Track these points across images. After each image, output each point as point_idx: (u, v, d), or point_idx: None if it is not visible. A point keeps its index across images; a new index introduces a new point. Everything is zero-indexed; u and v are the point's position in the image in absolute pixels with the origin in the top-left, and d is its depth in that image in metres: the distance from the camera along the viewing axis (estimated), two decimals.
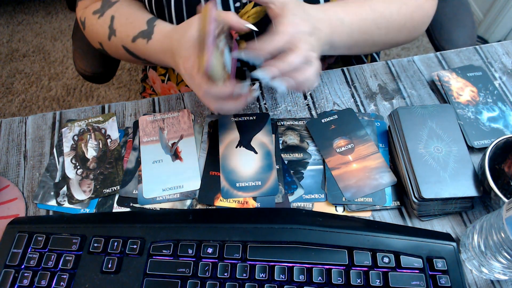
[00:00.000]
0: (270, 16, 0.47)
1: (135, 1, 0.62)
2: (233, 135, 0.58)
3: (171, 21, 0.59)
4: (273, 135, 0.58)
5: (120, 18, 0.57)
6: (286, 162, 0.56)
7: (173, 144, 0.58)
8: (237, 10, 0.57)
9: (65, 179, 0.56)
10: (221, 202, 0.53)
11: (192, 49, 0.45)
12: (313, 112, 0.62)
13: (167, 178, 0.55)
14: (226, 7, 0.57)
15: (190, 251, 0.46)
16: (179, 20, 0.58)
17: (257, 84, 0.46)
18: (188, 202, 0.54)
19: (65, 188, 0.55)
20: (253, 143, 0.57)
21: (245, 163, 0.56)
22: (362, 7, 0.54)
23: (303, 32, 0.45)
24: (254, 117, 0.60)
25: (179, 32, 0.47)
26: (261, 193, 0.53)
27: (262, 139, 0.58)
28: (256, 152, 0.57)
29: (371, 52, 0.62)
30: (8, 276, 0.46)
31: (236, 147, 0.57)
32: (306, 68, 0.45)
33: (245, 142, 0.58)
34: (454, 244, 0.47)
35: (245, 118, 0.60)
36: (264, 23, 0.58)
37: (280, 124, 0.60)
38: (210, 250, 0.46)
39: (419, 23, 0.60)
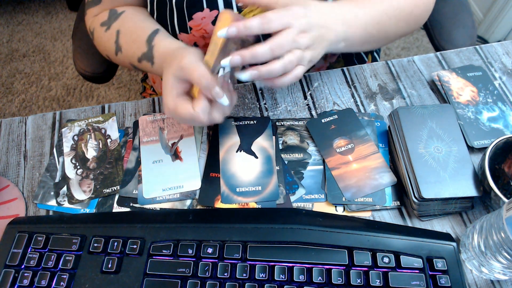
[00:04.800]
0: None
1: (140, 8, 0.62)
2: (234, 140, 0.58)
3: (172, 26, 0.60)
4: (273, 137, 0.58)
5: (125, 34, 0.58)
6: (286, 162, 0.56)
7: (173, 144, 0.58)
8: (239, 9, 0.57)
9: (65, 179, 0.56)
10: (221, 204, 0.53)
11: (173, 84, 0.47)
12: (313, 112, 0.61)
13: (167, 178, 0.55)
14: (228, 5, 0.57)
15: (190, 251, 0.46)
16: (182, 25, 0.59)
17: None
18: (188, 202, 0.54)
19: (65, 188, 0.55)
20: (254, 148, 0.57)
21: (246, 168, 0.55)
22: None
23: (298, 15, 0.46)
24: (255, 121, 0.60)
25: (177, 58, 0.48)
26: (261, 198, 0.53)
27: (263, 143, 0.58)
28: (256, 157, 0.56)
29: (383, 45, 0.62)
30: (8, 276, 0.46)
31: (237, 151, 0.57)
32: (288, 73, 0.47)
33: (245, 147, 0.57)
34: (454, 244, 0.47)
35: (246, 122, 0.60)
36: None
37: (280, 124, 0.60)
38: (210, 250, 0.46)
39: (424, 11, 0.61)
